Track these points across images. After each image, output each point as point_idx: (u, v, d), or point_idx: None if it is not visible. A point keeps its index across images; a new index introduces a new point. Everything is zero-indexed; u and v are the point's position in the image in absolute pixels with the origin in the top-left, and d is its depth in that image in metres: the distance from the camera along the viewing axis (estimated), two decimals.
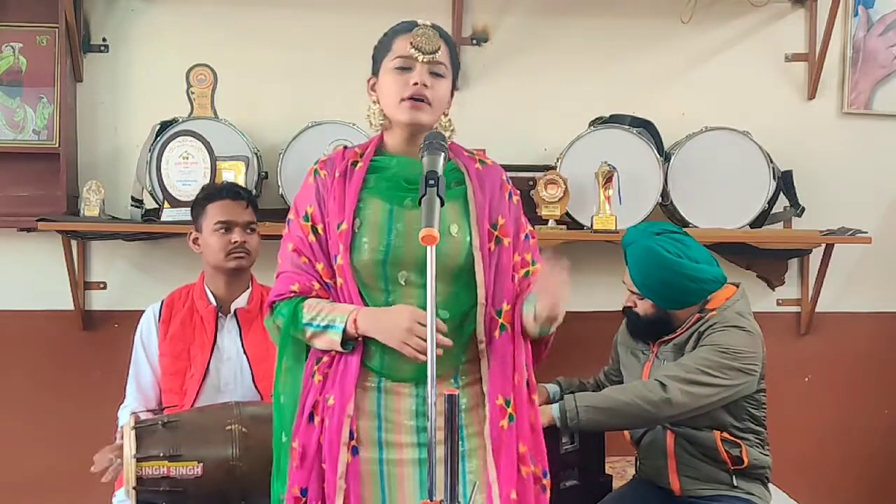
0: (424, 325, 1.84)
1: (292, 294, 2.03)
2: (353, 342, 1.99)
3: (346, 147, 2.14)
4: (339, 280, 2.01)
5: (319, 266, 2.03)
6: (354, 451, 1.99)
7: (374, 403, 2.01)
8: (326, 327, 1.99)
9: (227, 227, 2.76)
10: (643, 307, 2.73)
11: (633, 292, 2.75)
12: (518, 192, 2.17)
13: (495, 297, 2.03)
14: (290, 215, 2.10)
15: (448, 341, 1.92)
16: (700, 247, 2.71)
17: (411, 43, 1.99)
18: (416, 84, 1.98)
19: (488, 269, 2.01)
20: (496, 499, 1.97)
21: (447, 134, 2.05)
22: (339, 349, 1.99)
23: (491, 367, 2.02)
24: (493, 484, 1.98)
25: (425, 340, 1.83)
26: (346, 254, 1.98)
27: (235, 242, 2.74)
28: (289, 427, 2.05)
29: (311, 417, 2.02)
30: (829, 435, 3.76)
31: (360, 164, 2.05)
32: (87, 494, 2.95)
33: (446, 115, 2.08)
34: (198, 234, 2.81)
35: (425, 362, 1.79)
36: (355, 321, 1.96)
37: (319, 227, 2.04)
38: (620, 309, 2.83)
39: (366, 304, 2.00)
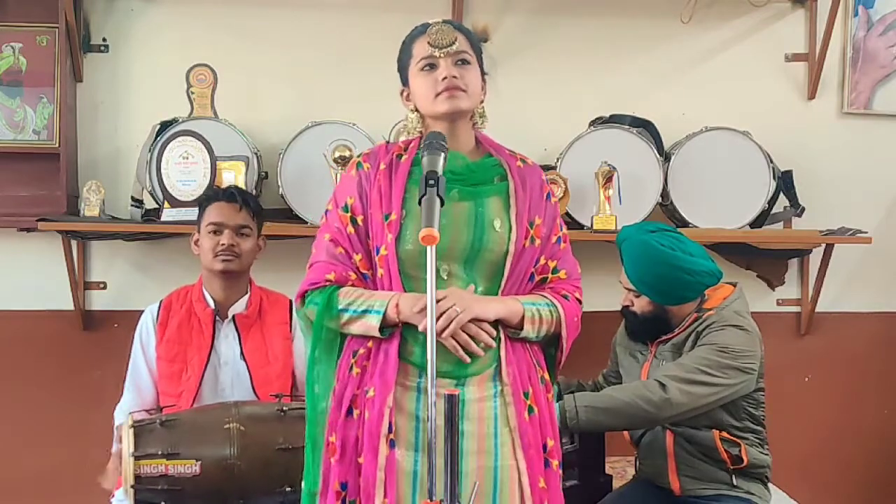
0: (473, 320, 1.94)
1: (327, 283, 2.02)
2: (391, 328, 1.98)
3: (388, 142, 2.15)
4: (381, 271, 2.01)
5: (357, 257, 2.03)
6: (392, 444, 1.96)
7: (412, 403, 1.99)
8: (365, 311, 1.98)
9: (218, 229, 2.74)
10: (640, 305, 2.73)
11: (629, 290, 2.75)
12: (555, 194, 2.18)
13: (510, 293, 2.04)
14: (329, 206, 2.10)
15: (491, 342, 1.98)
16: (694, 243, 2.71)
17: (429, 42, 2.02)
18: (444, 78, 2.01)
19: (514, 266, 2.03)
20: (526, 488, 1.99)
21: (479, 121, 2.09)
22: (376, 334, 1.98)
23: (509, 361, 2.02)
24: (522, 474, 1.99)
25: (468, 333, 1.94)
26: (392, 244, 1.98)
27: (223, 245, 2.72)
28: (321, 419, 2.04)
29: (349, 411, 2.00)
30: (829, 435, 3.76)
31: (405, 157, 2.06)
32: (86, 494, 2.94)
33: (482, 99, 2.09)
34: (198, 236, 2.81)
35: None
36: (397, 305, 1.96)
37: (359, 219, 2.04)
38: (619, 310, 2.83)
39: None
